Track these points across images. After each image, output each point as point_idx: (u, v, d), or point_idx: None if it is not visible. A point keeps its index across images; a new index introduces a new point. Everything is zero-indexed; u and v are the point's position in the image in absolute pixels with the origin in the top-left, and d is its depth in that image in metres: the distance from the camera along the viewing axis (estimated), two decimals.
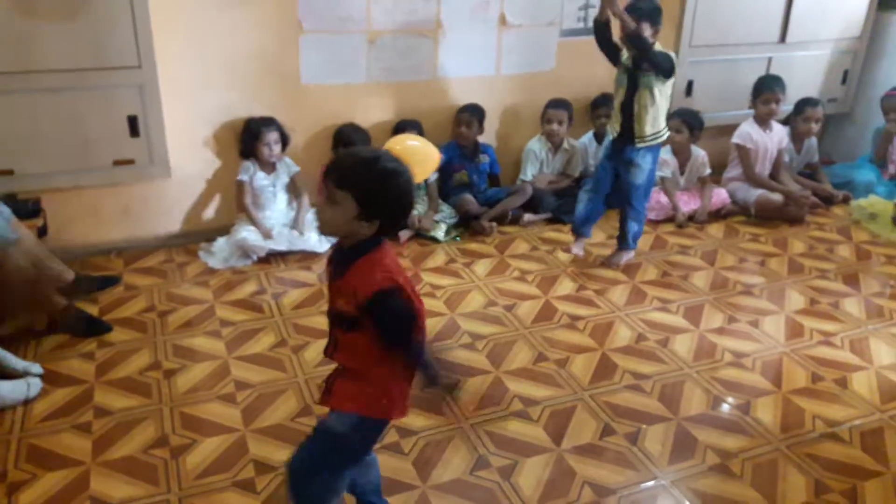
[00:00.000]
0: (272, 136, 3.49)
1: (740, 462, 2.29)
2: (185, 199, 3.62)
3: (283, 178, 3.65)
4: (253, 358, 2.76)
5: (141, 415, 2.43)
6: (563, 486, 2.18)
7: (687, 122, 4.09)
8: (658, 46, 3.16)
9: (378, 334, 1.60)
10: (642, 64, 3.14)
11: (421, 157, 3.42)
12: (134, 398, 2.52)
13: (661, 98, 3.21)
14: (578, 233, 3.64)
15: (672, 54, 3.16)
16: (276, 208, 3.64)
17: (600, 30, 3.22)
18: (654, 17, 3.10)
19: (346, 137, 3.66)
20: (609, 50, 3.26)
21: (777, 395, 2.63)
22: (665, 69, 3.11)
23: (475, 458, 2.28)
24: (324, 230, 1.64)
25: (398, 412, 1.74)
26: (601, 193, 3.53)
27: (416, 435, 2.37)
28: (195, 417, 2.43)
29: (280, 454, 2.25)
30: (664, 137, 3.35)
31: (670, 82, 3.21)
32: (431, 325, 3.00)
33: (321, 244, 3.54)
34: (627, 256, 3.59)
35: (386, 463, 2.22)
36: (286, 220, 3.63)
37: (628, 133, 3.29)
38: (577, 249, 3.63)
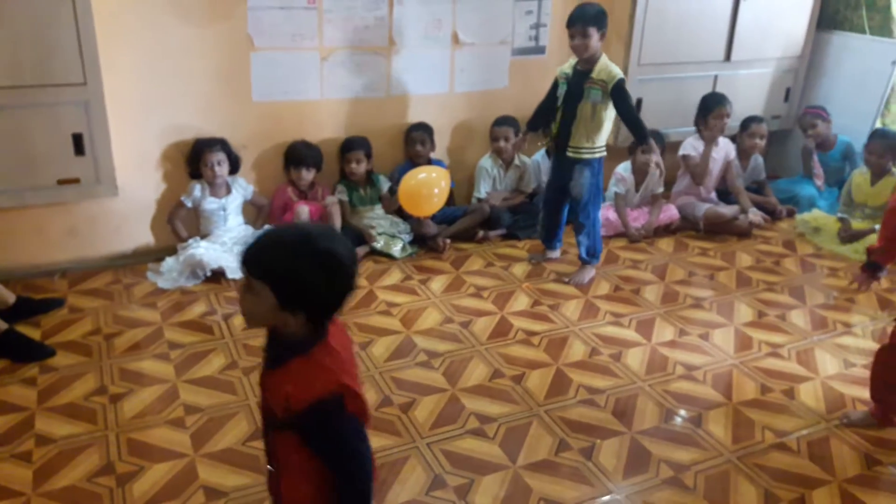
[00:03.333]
0: (214, 158, 3.43)
1: (693, 475, 2.32)
2: (134, 218, 3.53)
3: (237, 201, 3.59)
4: (203, 381, 2.70)
5: (85, 442, 2.35)
6: (519, 503, 2.17)
7: (661, 146, 4.16)
8: (605, 58, 3.26)
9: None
10: (585, 79, 3.25)
11: (434, 186, 3.53)
12: (78, 425, 2.43)
13: (602, 117, 3.29)
14: (546, 247, 3.79)
15: (621, 76, 3.26)
16: (227, 232, 3.57)
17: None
18: (599, 20, 3.19)
19: (298, 154, 3.63)
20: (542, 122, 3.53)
21: (727, 406, 2.68)
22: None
23: (431, 478, 2.26)
24: (248, 323, 1.38)
25: None
26: (550, 207, 3.67)
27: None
28: (142, 443, 2.36)
29: (231, 479, 2.20)
30: (600, 155, 3.41)
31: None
32: (387, 344, 2.98)
33: None
34: (589, 274, 3.62)
35: None
36: (238, 239, 3.56)
37: (564, 144, 3.37)
38: (546, 257, 3.80)
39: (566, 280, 3.59)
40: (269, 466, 1.53)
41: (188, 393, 2.62)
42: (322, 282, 1.29)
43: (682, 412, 2.63)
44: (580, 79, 3.26)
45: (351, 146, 3.78)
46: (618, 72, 3.23)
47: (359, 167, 3.78)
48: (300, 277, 1.28)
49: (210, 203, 3.51)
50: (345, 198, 3.81)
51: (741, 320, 3.30)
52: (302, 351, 1.34)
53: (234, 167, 3.54)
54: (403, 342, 3.02)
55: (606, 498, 2.21)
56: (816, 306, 3.46)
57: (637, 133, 3.35)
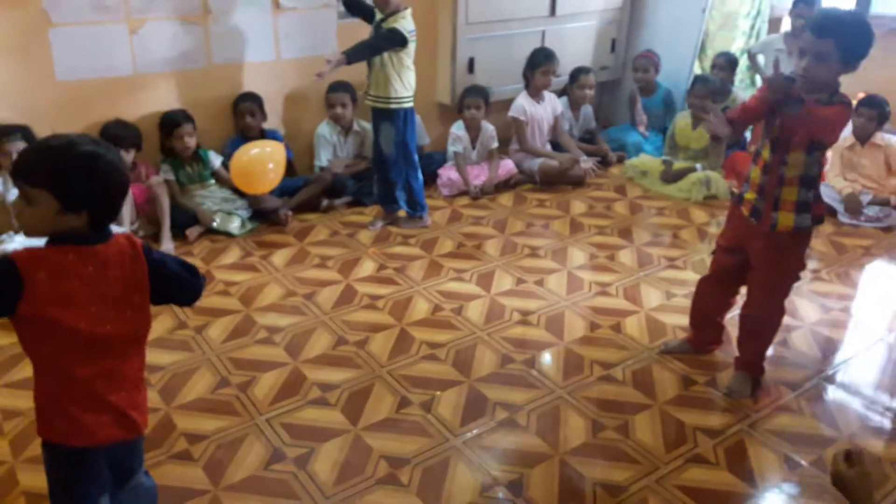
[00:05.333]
0: (13, 147, 3.13)
1: (526, 414, 2.44)
2: None
3: None
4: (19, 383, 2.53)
5: None
6: (358, 464, 2.20)
7: (485, 98, 4.24)
8: (405, 12, 3.34)
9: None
10: (380, 25, 3.34)
11: (269, 161, 3.39)
12: None
13: (390, 68, 3.36)
14: (386, 210, 3.82)
15: (398, 27, 3.29)
16: None
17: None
18: None
19: (113, 135, 3.39)
20: (360, 11, 3.47)
21: (559, 346, 2.82)
22: (392, 44, 3.31)
23: (270, 452, 2.23)
24: (28, 233, 1.47)
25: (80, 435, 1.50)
26: (378, 165, 3.71)
27: (207, 439, 2.28)
28: None
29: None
30: (397, 106, 3.45)
31: (405, 52, 3.36)
32: (225, 325, 2.90)
33: None
34: (419, 223, 3.75)
35: (172, 472, 2.13)
36: None
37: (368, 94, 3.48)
38: (390, 219, 3.81)
39: (397, 226, 3.72)
40: None
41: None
42: (98, 177, 1.39)
43: (517, 356, 2.73)
44: (376, 31, 3.38)
45: (176, 121, 3.59)
46: (401, 24, 3.31)
47: (190, 140, 3.60)
48: (78, 176, 1.37)
49: (14, 196, 3.24)
50: (171, 177, 3.62)
51: (574, 264, 3.47)
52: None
53: None
54: (242, 321, 2.94)
55: (444, 446, 2.28)
56: (643, 244, 3.69)
57: (355, 46, 3.32)
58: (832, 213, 4.02)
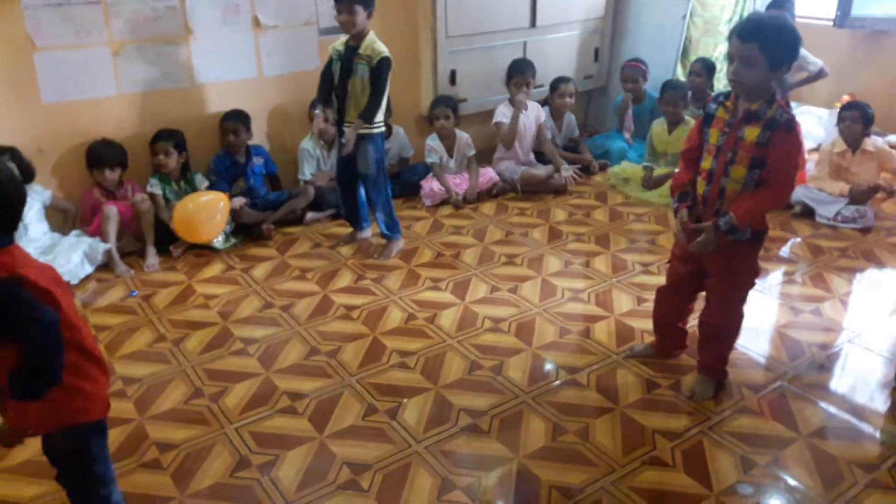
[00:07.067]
0: None
1: (489, 419, 2.49)
2: None
3: (34, 208, 3.41)
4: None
5: None
6: (321, 470, 2.26)
7: (452, 108, 4.33)
8: (372, 35, 3.34)
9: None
10: (354, 54, 3.33)
11: (208, 211, 3.47)
12: None
13: (371, 92, 3.34)
14: (354, 227, 3.81)
15: (386, 54, 3.30)
16: (31, 243, 3.39)
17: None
18: (366, 1, 3.26)
19: (98, 154, 3.52)
20: (328, 93, 3.48)
21: (528, 352, 2.87)
22: (388, 76, 3.33)
23: (236, 460, 2.31)
24: None
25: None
26: (343, 185, 3.71)
27: (177, 448, 2.36)
28: None
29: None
30: (378, 130, 3.46)
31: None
32: (202, 337, 2.98)
33: (83, 267, 3.38)
34: (395, 247, 3.70)
35: (140, 480, 2.21)
36: (45, 248, 3.41)
37: (342, 120, 3.46)
38: (357, 238, 3.80)
39: (375, 256, 3.68)
40: None
41: None
42: None
43: (485, 362, 2.79)
44: (350, 54, 3.36)
45: (156, 138, 3.69)
46: (383, 49, 3.32)
47: (168, 159, 3.68)
48: None
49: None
50: (158, 191, 3.72)
51: (549, 271, 3.52)
52: None
53: (27, 176, 3.35)
54: (219, 333, 3.02)
55: (406, 452, 2.34)
56: (619, 251, 3.74)
57: (367, 106, 3.34)
58: (810, 214, 4.05)
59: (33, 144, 3.45)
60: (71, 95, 3.49)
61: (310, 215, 4.07)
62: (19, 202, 1.61)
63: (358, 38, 3.33)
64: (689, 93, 4.55)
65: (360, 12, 3.23)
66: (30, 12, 3.29)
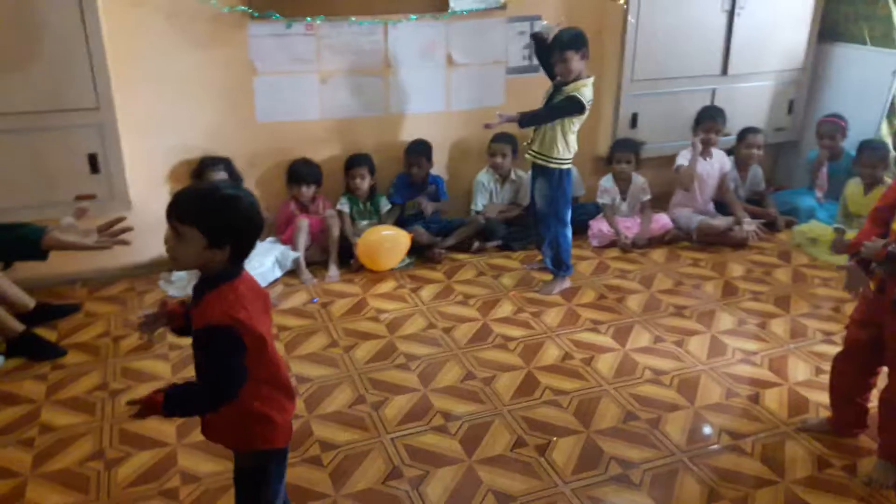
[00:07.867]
0: (216, 176, 3.62)
1: (641, 472, 2.42)
2: (147, 231, 3.76)
3: None
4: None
5: (82, 431, 2.60)
6: (467, 493, 2.32)
7: (635, 153, 4.30)
8: (586, 80, 3.39)
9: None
10: (558, 91, 3.41)
11: (391, 242, 3.76)
12: (78, 416, 2.69)
13: (558, 129, 3.41)
14: (541, 253, 3.88)
15: (579, 95, 3.34)
16: None
17: (538, 42, 3.51)
18: (575, 44, 3.33)
19: (298, 172, 3.87)
20: (546, 64, 3.53)
21: (689, 409, 2.76)
22: (569, 112, 3.38)
23: (389, 469, 2.42)
24: (178, 266, 1.70)
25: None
26: (534, 214, 3.78)
27: (338, 449, 2.52)
28: (132, 433, 2.58)
29: (206, 466, 2.41)
30: (556, 166, 3.48)
31: (578, 119, 3.42)
32: (370, 347, 3.16)
33: (273, 271, 3.72)
34: (559, 285, 3.72)
35: (302, 474, 2.38)
36: None
37: (530, 146, 3.55)
38: (542, 265, 3.88)
39: (536, 290, 3.71)
40: None
41: None
42: (238, 215, 1.61)
43: (642, 414, 2.72)
44: (555, 92, 3.45)
45: (354, 163, 4.01)
46: (582, 92, 3.35)
47: (362, 182, 4.00)
48: (222, 214, 1.60)
49: None
50: (346, 209, 4.03)
51: (720, 328, 3.37)
52: (213, 287, 1.63)
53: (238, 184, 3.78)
54: (385, 346, 3.19)
55: (551, 491, 2.33)
56: (800, 315, 3.50)
57: (532, 111, 3.43)
58: None
59: (245, 158, 3.87)
60: (280, 117, 3.89)
61: (477, 244, 4.20)
62: (259, 231, 1.67)
63: (571, 80, 3.39)
64: (894, 154, 4.19)
65: (573, 57, 3.32)
66: (254, 40, 3.72)
